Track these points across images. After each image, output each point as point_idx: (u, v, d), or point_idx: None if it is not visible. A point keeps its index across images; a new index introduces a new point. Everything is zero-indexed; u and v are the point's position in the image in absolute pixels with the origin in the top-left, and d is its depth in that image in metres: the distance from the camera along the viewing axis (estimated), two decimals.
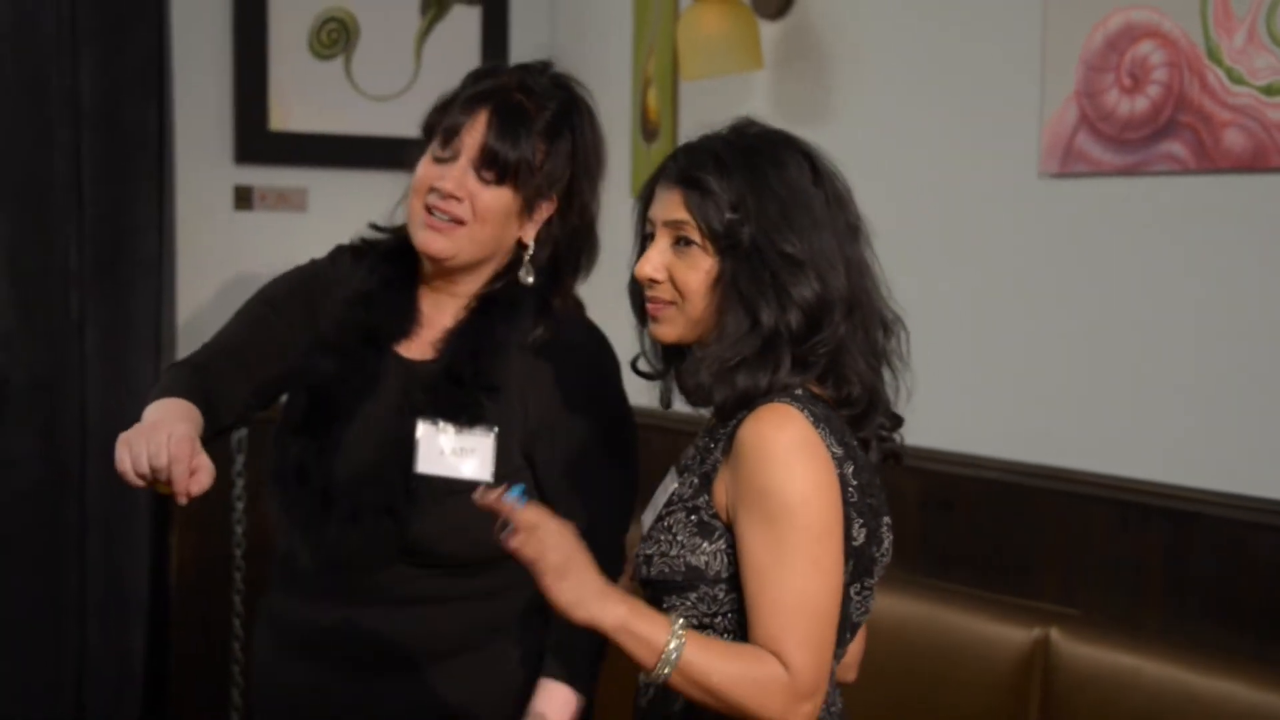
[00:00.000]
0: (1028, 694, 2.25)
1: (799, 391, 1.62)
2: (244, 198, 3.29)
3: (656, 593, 1.65)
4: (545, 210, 1.94)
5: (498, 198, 1.89)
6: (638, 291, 1.72)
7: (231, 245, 3.27)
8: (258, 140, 3.25)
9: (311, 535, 1.87)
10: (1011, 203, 2.50)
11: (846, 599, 1.62)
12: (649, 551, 1.65)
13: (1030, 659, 2.25)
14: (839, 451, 1.60)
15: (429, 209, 1.90)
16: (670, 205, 1.65)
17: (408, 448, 1.86)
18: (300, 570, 1.89)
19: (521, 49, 3.50)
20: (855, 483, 1.61)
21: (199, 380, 1.83)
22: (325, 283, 2.00)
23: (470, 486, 1.69)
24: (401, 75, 3.37)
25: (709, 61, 2.83)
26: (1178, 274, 2.28)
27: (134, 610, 3.18)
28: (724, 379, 1.61)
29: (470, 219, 1.89)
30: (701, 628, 1.61)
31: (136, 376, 3.13)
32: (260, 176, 3.29)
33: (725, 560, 1.60)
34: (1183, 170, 2.24)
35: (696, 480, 1.65)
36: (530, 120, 1.90)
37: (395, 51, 3.36)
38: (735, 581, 1.59)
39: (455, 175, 1.89)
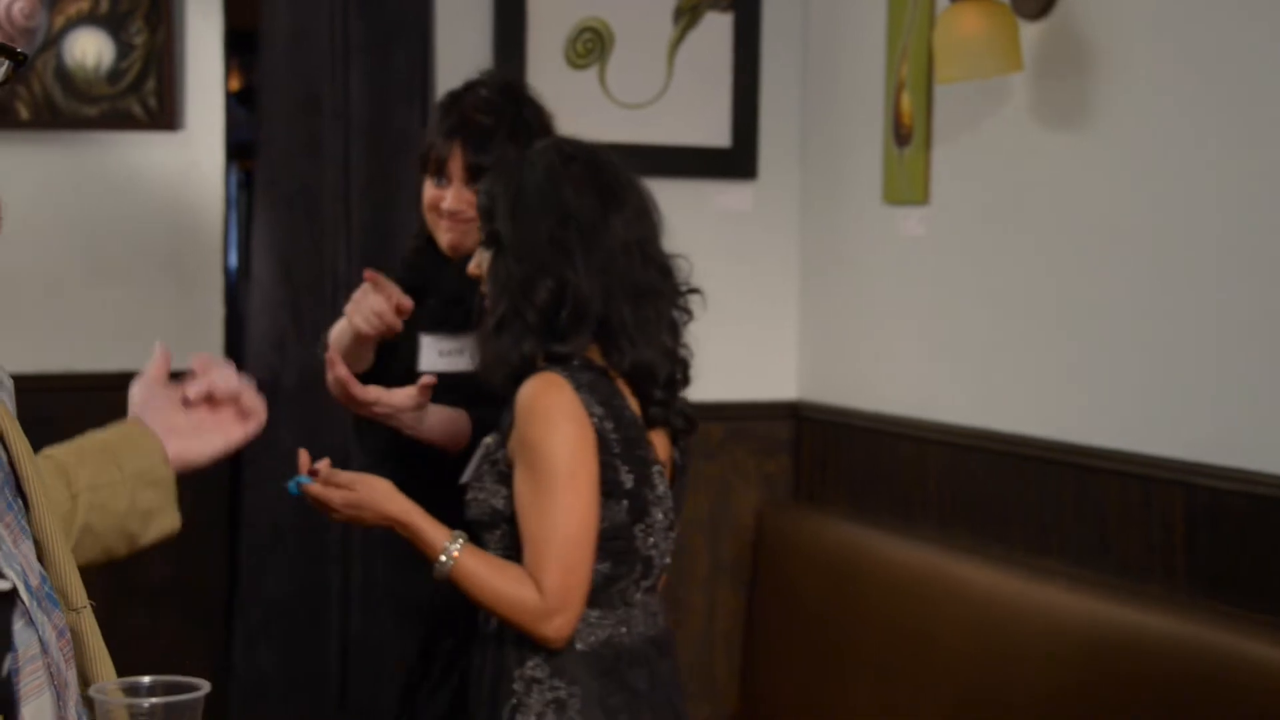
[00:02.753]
0: None
1: (575, 361, 1.98)
2: None
3: (475, 531, 2.02)
4: None
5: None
6: None
7: None
8: None
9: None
10: None
11: (632, 535, 1.99)
12: (468, 496, 2.03)
13: None
14: (599, 411, 1.95)
15: (446, 221, 2.39)
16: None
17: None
18: None
19: (774, 55, 3.43)
20: (616, 436, 1.96)
21: None
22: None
23: (460, 379, 2.26)
24: (654, 83, 3.34)
25: (966, 64, 2.72)
26: None
27: (395, 603, 3.21)
28: (488, 358, 2.04)
29: (475, 216, 2.25)
30: (506, 559, 1.99)
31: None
32: None
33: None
34: None
35: (499, 436, 2.01)
36: (494, 132, 2.38)
37: (648, 60, 3.34)
38: None
39: (452, 195, 2.38)
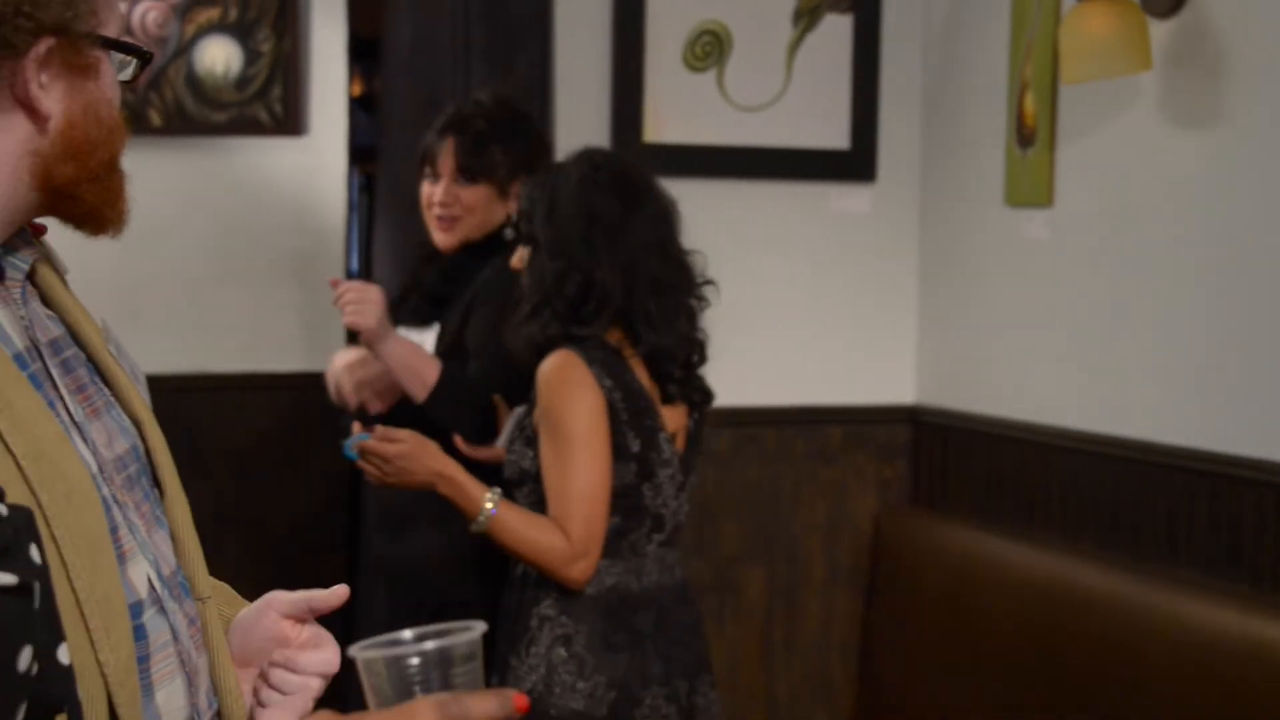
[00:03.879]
0: None
1: (590, 341, 2.24)
2: None
3: (509, 488, 2.29)
4: (517, 190, 2.57)
5: (476, 193, 2.69)
6: None
7: None
8: (632, 152, 3.25)
9: None
10: None
11: (639, 493, 2.25)
12: (506, 458, 2.33)
13: None
14: (609, 383, 2.22)
15: (436, 217, 2.71)
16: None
17: None
18: None
19: (894, 56, 3.39)
20: (625, 406, 2.23)
21: None
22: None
23: (452, 371, 2.62)
24: (772, 85, 3.31)
25: (1093, 63, 2.65)
26: None
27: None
28: (519, 340, 2.30)
29: (462, 214, 2.69)
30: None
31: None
32: None
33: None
34: None
35: (527, 406, 2.29)
36: (487, 136, 2.66)
37: (767, 62, 3.30)
38: None
39: (442, 189, 2.69)
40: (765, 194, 3.37)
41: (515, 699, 1.19)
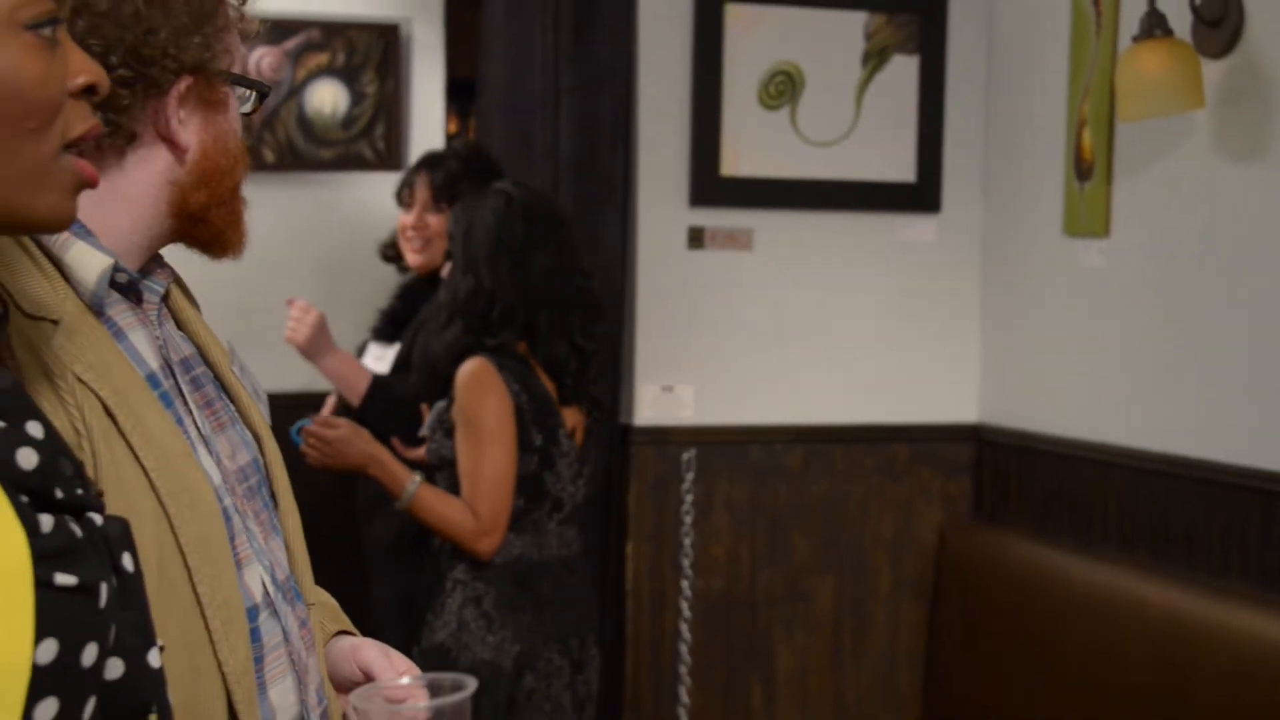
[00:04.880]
0: None
1: (502, 351, 2.54)
2: (696, 238, 3.38)
3: (429, 471, 2.60)
4: None
5: (443, 221, 2.94)
6: None
7: (684, 281, 3.38)
8: (710, 185, 3.34)
9: None
10: None
11: (541, 480, 2.57)
12: (428, 446, 2.62)
13: None
14: (516, 387, 2.53)
15: (408, 240, 3.01)
16: None
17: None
18: None
19: (958, 93, 3.47)
20: (529, 406, 2.54)
21: None
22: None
23: (388, 378, 2.99)
24: (842, 122, 3.41)
25: (1148, 102, 2.71)
26: None
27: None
28: (438, 346, 2.61)
29: (432, 237, 3.00)
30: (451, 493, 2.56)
31: (601, 400, 3.27)
32: (711, 218, 3.37)
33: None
34: None
35: (446, 403, 2.58)
36: (458, 174, 2.97)
37: (837, 100, 3.40)
38: None
39: (413, 216, 3.00)
40: (835, 224, 3.44)
41: None
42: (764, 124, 3.36)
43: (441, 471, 2.60)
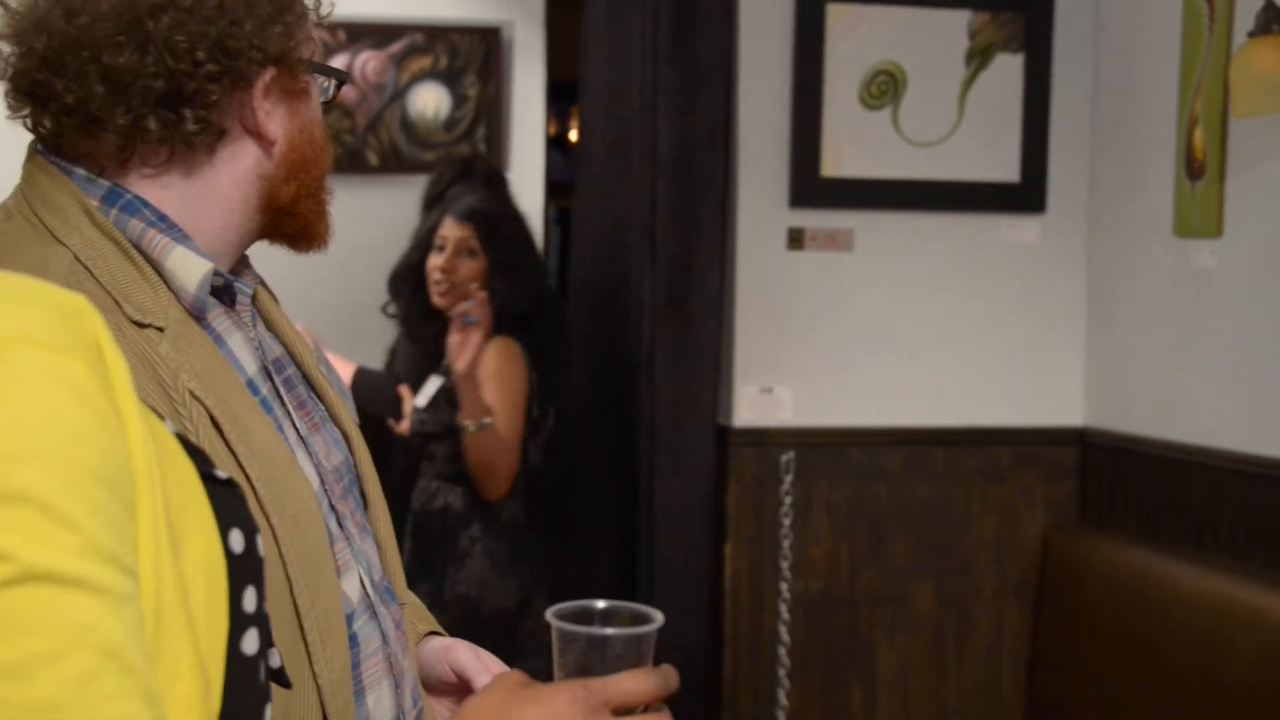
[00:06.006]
0: None
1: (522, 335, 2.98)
2: (796, 238, 3.36)
3: (429, 441, 2.90)
4: None
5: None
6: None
7: (784, 282, 3.35)
8: (810, 186, 3.32)
9: None
10: None
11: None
12: (429, 415, 2.90)
13: None
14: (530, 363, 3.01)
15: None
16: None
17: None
18: None
19: (1064, 92, 3.39)
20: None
21: None
22: None
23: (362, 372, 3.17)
24: (945, 122, 3.36)
25: (1263, 98, 2.64)
26: None
27: (694, 610, 3.30)
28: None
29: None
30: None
31: (698, 402, 3.25)
32: (811, 219, 3.35)
33: None
34: None
35: (444, 379, 2.89)
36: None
37: (940, 100, 3.35)
38: None
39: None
40: (938, 225, 3.40)
41: (667, 673, 1.07)
42: (865, 124, 3.32)
43: (444, 440, 2.84)
